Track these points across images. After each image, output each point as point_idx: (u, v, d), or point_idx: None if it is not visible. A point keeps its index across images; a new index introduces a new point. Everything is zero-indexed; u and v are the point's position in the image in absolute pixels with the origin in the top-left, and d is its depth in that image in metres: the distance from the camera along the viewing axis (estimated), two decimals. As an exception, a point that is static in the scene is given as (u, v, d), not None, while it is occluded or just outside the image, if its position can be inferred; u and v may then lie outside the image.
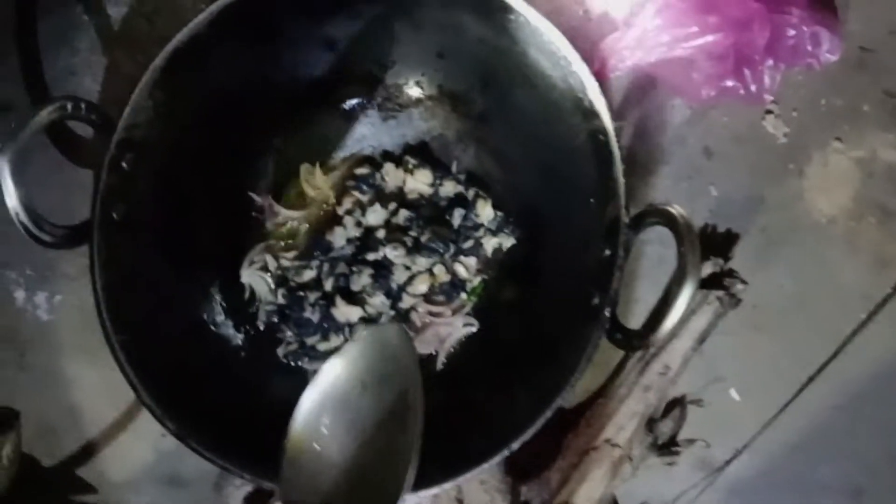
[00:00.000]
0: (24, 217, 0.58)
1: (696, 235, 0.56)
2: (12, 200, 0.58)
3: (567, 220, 0.70)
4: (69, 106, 0.61)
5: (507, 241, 0.76)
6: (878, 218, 0.81)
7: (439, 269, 0.74)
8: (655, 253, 0.79)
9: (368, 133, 0.79)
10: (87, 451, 0.79)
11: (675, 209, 0.58)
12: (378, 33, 0.72)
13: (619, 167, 0.62)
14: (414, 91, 0.78)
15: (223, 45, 0.65)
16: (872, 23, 0.81)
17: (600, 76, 0.72)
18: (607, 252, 0.63)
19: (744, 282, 0.77)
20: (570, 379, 0.61)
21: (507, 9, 0.64)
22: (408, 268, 0.73)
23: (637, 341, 0.59)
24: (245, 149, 0.76)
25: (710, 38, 0.73)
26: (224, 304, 0.74)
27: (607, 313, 0.61)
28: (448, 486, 0.63)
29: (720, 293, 0.75)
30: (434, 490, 0.63)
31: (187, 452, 0.75)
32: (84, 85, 0.79)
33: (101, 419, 0.78)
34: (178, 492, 0.80)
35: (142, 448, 0.78)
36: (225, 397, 0.68)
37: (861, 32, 0.81)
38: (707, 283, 0.76)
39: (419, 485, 0.62)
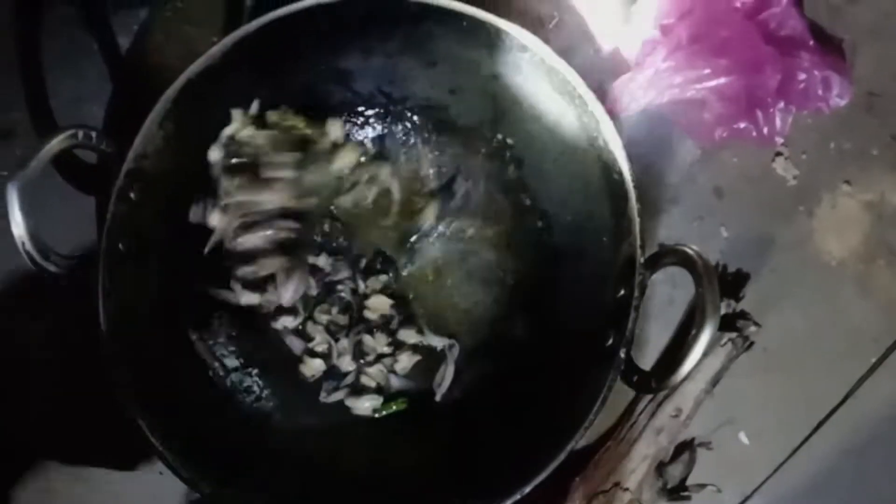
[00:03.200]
0: (30, 247, 0.57)
1: (716, 276, 0.55)
2: (19, 230, 0.56)
3: (581, 259, 0.69)
4: (80, 134, 0.60)
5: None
6: (888, 260, 0.81)
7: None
8: (665, 293, 0.79)
9: (378, 168, 0.78)
10: (83, 486, 0.76)
11: (693, 249, 0.57)
12: (391, 68, 0.72)
13: (634, 206, 0.62)
14: (424, 127, 0.77)
15: (236, 76, 0.65)
16: (880, 68, 0.82)
17: (612, 115, 0.72)
18: (623, 292, 0.62)
19: (757, 324, 0.76)
20: (585, 421, 0.60)
21: (523, 47, 0.64)
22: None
23: (655, 383, 0.58)
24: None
25: (722, 79, 0.73)
26: (233, 338, 0.73)
27: (622, 354, 0.60)
28: (457, 529, 0.61)
29: (733, 335, 0.74)
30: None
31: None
32: (91, 113, 0.78)
33: (98, 454, 0.76)
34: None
35: (140, 486, 0.75)
36: (228, 432, 0.66)
37: (869, 77, 0.82)
38: (720, 325, 0.75)
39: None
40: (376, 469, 0.70)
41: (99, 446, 0.75)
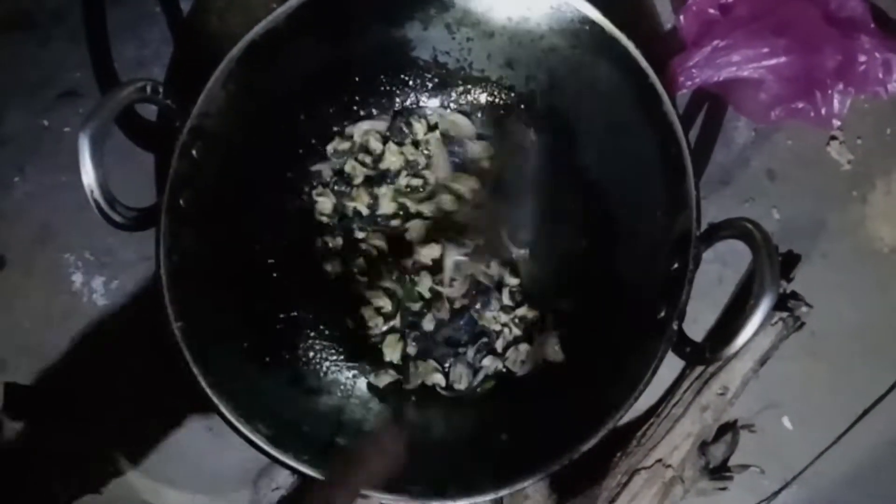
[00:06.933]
0: (98, 195, 0.58)
1: (775, 247, 0.55)
2: (89, 178, 0.57)
3: (633, 231, 0.69)
4: (148, 88, 0.61)
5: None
6: (942, 250, 0.80)
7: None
8: (715, 272, 0.78)
9: (430, 138, 0.79)
10: (133, 439, 0.78)
11: (751, 221, 0.57)
12: (449, 39, 0.72)
13: (691, 179, 0.62)
14: (480, 97, 0.78)
15: (297, 40, 0.66)
16: (943, 53, 0.81)
17: (669, 92, 0.72)
18: (676, 265, 0.62)
19: (808, 305, 0.75)
20: (635, 392, 0.60)
21: (585, 20, 0.64)
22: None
23: (709, 354, 0.58)
24: (310, 145, 0.77)
25: (780, 59, 0.73)
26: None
27: (675, 326, 0.60)
28: (502, 493, 0.62)
29: (784, 314, 0.74)
30: (488, 497, 0.61)
31: (229, 449, 0.75)
32: (153, 75, 0.79)
33: (149, 408, 0.77)
34: (215, 489, 0.78)
35: (188, 441, 0.77)
36: (281, 389, 0.67)
37: (930, 63, 0.80)
38: (771, 304, 0.75)
39: (471, 491, 0.61)
40: (420, 438, 0.71)
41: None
